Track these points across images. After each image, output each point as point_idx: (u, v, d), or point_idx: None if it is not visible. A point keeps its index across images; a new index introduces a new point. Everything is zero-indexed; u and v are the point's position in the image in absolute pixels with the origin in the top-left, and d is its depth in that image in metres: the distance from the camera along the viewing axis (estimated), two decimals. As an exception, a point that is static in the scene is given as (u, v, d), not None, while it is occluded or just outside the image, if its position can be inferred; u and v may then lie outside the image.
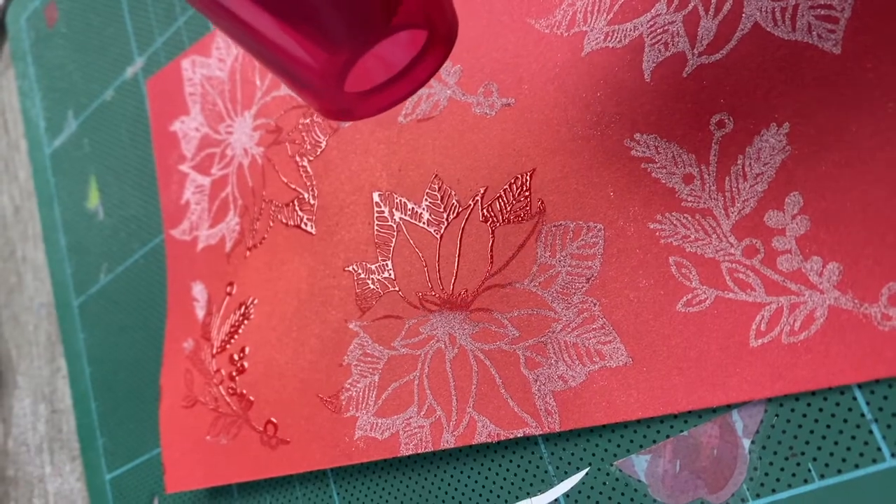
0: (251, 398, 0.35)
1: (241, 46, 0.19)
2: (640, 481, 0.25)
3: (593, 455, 0.26)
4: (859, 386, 0.21)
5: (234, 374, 0.36)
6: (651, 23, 0.26)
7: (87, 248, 0.47)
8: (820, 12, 0.23)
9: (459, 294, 0.29)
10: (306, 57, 0.18)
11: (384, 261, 0.31)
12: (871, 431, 0.21)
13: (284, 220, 0.35)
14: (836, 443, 0.21)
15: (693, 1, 0.25)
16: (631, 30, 0.26)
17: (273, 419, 0.34)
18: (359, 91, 0.20)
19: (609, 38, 0.26)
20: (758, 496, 0.23)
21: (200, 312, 0.38)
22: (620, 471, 0.25)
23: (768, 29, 0.23)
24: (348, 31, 0.18)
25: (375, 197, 0.32)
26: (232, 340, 0.36)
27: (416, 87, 0.21)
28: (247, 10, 0.17)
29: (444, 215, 0.30)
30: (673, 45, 0.25)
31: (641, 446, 0.25)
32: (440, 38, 0.20)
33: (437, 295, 0.29)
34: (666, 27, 0.25)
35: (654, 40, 0.25)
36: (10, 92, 0.57)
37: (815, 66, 0.22)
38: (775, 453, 0.22)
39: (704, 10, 0.25)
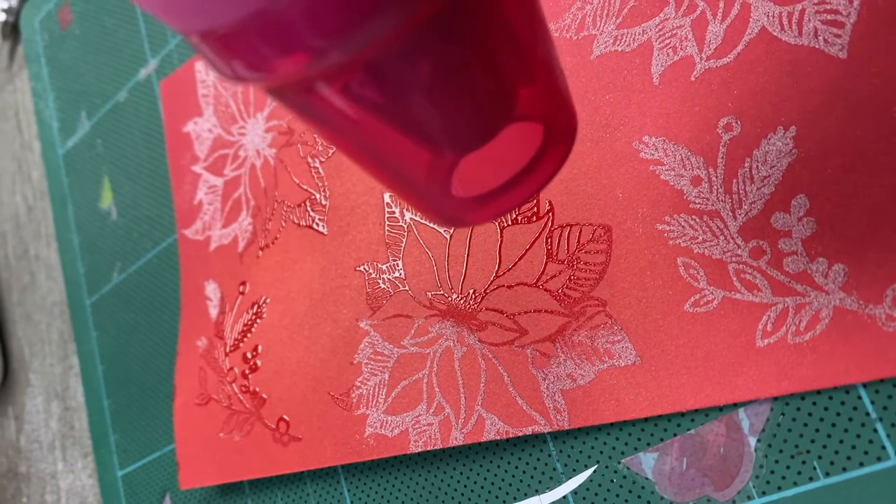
0: (264, 396, 0.35)
1: (335, 145, 0.17)
2: (647, 479, 0.25)
3: (601, 453, 0.26)
4: (864, 385, 0.21)
5: (246, 372, 0.36)
6: (659, 27, 0.26)
7: (99, 248, 0.48)
8: (826, 17, 0.23)
9: (468, 294, 0.29)
10: (408, 160, 0.17)
11: (395, 261, 0.31)
12: (875, 430, 0.21)
13: (296, 221, 0.35)
14: (841, 441, 0.22)
15: (701, 5, 0.25)
16: (640, 34, 0.26)
17: (285, 416, 0.34)
18: (469, 196, 0.18)
19: (618, 41, 0.27)
20: (764, 494, 0.23)
21: (213, 311, 0.38)
22: (628, 468, 0.25)
23: (775, 34, 0.24)
24: (453, 134, 0.16)
25: (386, 197, 0.32)
26: (245, 339, 0.36)
27: (533, 193, 0.18)
28: (346, 114, 0.15)
29: (454, 216, 0.30)
30: (681, 48, 0.25)
31: (649, 444, 0.25)
32: (559, 137, 0.18)
33: (446, 294, 0.30)
34: (674, 31, 0.26)
35: (662, 44, 0.26)
36: (23, 93, 0.58)
37: (821, 71, 0.23)
38: (781, 451, 0.23)
39: (712, 15, 0.25)
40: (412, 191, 0.18)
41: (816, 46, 0.23)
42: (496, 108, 0.16)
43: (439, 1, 0.13)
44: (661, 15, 0.26)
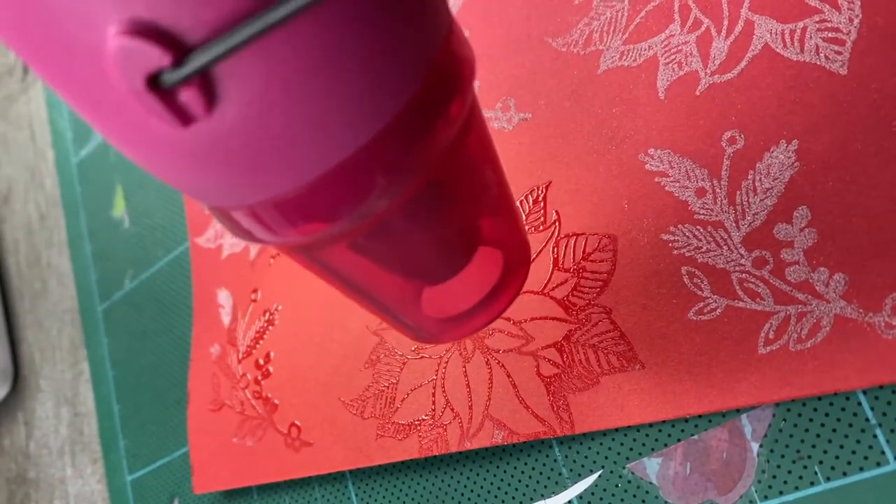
0: (276, 402, 0.36)
1: (330, 284, 0.19)
2: (651, 483, 0.26)
3: (606, 458, 0.27)
4: (864, 392, 0.22)
5: (259, 378, 0.37)
6: (665, 43, 0.27)
7: (112, 255, 0.48)
8: (827, 35, 0.24)
9: (476, 302, 0.30)
10: (392, 292, 0.19)
11: (404, 269, 0.32)
12: (875, 436, 0.22)
13: (307, 229, 0.36)
14: (841, 446, 0.22)
15: (706, 22, 0.26)
16: (646, 49, 0.27)
17: (297, 422, 0.34)
18: (443, 317, 0.21)
19: (624, 56, 0.28)
20: (766, 498, 0.23)
21: (226, 318, 0.39)
22: (632, 473, 0.26)
23: (778, 50, 0.24)
24: (432, 270, 0.19)
25: (396, 207, 0.33)
26: (257, 346, 0.37)
27: (498, 314, 0.21)
28: (344, 262, 0.17)
29: (463, 226, 0.31)
30: (686, 64, 0.26)
31: (653, 449, 0.26)
32: (517, 262, 0.21)
33: (455, 302, 0.30)
34: (679, 47, 0.26)
35: (668, 60, 0.26)
36: (37, 103, 0.59)
37: (822, 87, 0.23)
38: (783, 456, 0.23)
39: (717, 32, 0.26)
40: (396, 318, 0.20)
41: (818, 63, 0.24)
42: (466, 246, 0.19)
43: (418, 187, 0.15)
44: (666, 31, 0.27)
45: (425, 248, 0.18)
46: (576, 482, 0.27)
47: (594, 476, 0.27)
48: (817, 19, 0.24)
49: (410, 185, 0.15)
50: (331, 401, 0.33)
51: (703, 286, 0.25)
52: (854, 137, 0.23)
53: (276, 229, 0.15)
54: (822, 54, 0.24)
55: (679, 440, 0.25)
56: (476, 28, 0.31)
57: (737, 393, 0.23)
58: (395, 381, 0.31)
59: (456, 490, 0.30)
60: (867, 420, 0.22)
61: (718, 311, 0.24)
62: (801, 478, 0.23)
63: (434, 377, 0.30)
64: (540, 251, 0.28)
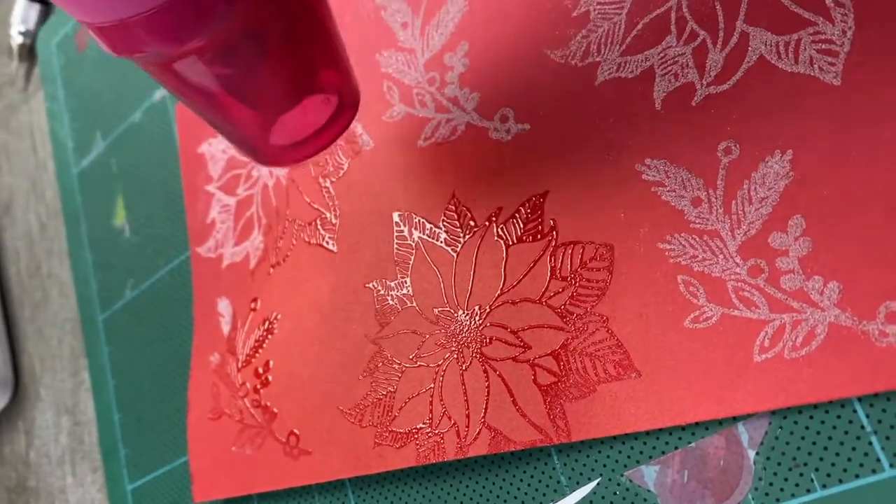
0: (275, 410, 0.36)
1: (191, 104, 0.24)
2: (649, 491, 0.26)
3: (604, 466, 0.27)
4: (859, 399, 0.22)
5: (258, 387, 0.37)
6: (662, 55, 0.27)
7: (112, 265, 0.49)
8: (821, 46, 0.24)
9: (474, 310, 0.30)
10: (240, 118, 0.24)
11: (403, 278, 0.32)
12: (870, 443, 0.22)
13: (307, 239, 0.36)
14: (837, 454, 0.22)
15: (701, 35, 0.26)
16: (642, 61, 0.27)
17: (296, 430, 0.35)
18: (284, 144, 0.26)
19: (621, 68, 0.28)
20: (762, 505, 0.23)
21: (226, 327, 0.39)
22: (630, 481, 0.26)
23: (773, 62, 0.25)
24: (271, 103, 0.24)
25: (395, 217, 0.33)
26: (256, 354, 0.37)
27: (330, 141, 0.26)
28: (198, 88, 0.22)
29: (461, 234, 0.31)
30: (682, 75, 0.26)
31: (651, 457, 0.26)
32: (348, 103, 0.26)
33: (452, 311, 0.30)
34: (676, 59, 0.27)
35: (664, 71, 0.27)
36: (39, 114, 0.59)
37: (816, 97, 0.24)
38: (779, 464, 0.23)
39: (712, 44, 0.26)
40: (242, 140, 0.25)
41: (812, 74, 0.24)
42: (302, 83, 0.24)
43: (248, 21, 0.20)
44: (662, 43, 0.27)
45: (263, 80, 0.23)
46: (574, 490, 0.27)
47: (592, 484, 0.27)
48: (811, 31, 0.24)
49: (247, 14, 0.19)
50: (329, 409, 0.33)
51: (698, 295, 0.25)
52: (848, 147, 0.23)
53: (142, 42, 0.19)
54: (816, 65, 0.24)
55: (676, 448, 0.25)
56: (475, 40, 0.32)
57: (733, 401, 0.24)
58: (392, 390, 0.31)
59: (454, 498, 0.30)
60: (862, 427, 0.22)
61: (714, 319, 0.24)
62: (797, 485, 0.23)
63: (432, 385, 0.30)
64: (537, 260, 0.29)
